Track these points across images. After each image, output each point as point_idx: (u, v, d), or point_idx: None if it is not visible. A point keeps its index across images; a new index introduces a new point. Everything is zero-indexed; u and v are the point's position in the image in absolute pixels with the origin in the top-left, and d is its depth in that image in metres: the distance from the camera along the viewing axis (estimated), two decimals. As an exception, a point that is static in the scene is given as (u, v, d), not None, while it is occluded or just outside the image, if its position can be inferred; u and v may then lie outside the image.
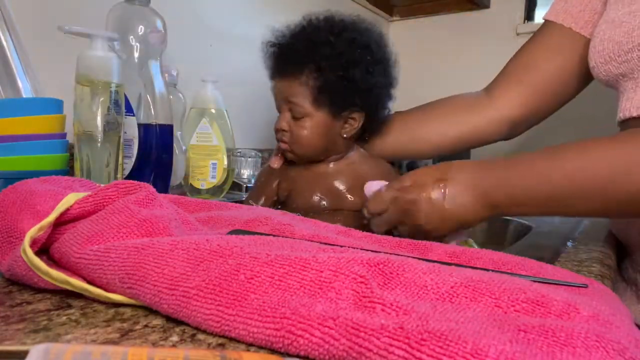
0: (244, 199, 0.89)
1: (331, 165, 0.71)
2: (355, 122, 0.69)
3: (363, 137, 0.74)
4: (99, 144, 0.57)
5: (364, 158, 0.73)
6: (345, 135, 0.70)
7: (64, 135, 0.56)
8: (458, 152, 0.78)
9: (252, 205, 0.70)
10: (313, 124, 0.67)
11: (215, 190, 0.84)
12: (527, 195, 0.49)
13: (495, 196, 0.50)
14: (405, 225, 0.54)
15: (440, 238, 0.54)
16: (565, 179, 0.48)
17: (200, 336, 0.26)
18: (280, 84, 0.69)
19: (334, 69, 0.65)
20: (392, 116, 0.77)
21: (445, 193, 0.51)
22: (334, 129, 0.69)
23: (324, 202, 0.69)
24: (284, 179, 0.73)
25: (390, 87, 0.71)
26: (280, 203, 0.73)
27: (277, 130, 0.70)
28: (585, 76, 0.68)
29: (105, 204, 0.35)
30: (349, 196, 0.69)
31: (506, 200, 0.50)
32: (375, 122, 0.72)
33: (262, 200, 0.73)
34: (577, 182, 0.47)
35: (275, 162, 0.74)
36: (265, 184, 0.74)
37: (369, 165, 0.73)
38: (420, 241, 0.42)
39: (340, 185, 0.70)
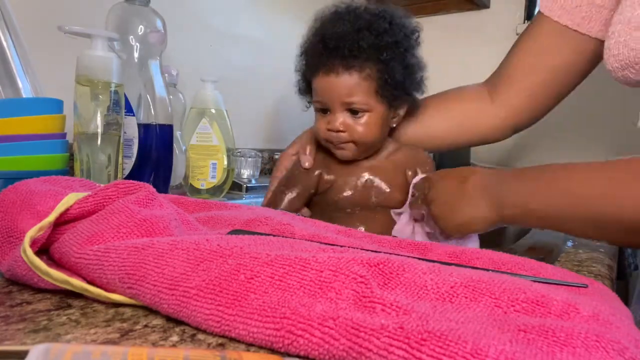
0: (244, 199, 0.89)
1: (373, 158, 0.67)
2: (402, 111, 0.67)
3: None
4: (99, 144, 0.57)
5: (397, 147, 0.69)
6: (393, 125, 0.67)
7: (64, 135, 0.56)
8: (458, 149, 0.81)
9: (284, 192, 0.66)
10: (375, 119, 0.62)
11: (215, 190, 0.84)
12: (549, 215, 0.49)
13: (510, 211, 0.51)
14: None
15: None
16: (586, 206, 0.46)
17: (200, 336, 0.26)
18: (335, 80, 0.61)
19: (395, 58, 0.61)
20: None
21: (464, 192, 0.54)
22: (388, 120, 0.65)
23: (373, 199, 0.65)
24: (327, 171, 0.66)
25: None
26: (316, 195, 0.67)
27: (330, 131, 0.63)
28: (587, 71, 0.68)
29: (105, 204, 0.35)
30: (392, 190, 0.65)
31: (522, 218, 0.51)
32: (415, 108, 0.69)
33: (297, 190, 0.66)
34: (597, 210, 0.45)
35: (307, 162, 0.67)
36: (304, 173, 0.67)
37: (405, 153, 0.68)
38: (420, 241, 0.43)
39: (385, 179, 0.65)
